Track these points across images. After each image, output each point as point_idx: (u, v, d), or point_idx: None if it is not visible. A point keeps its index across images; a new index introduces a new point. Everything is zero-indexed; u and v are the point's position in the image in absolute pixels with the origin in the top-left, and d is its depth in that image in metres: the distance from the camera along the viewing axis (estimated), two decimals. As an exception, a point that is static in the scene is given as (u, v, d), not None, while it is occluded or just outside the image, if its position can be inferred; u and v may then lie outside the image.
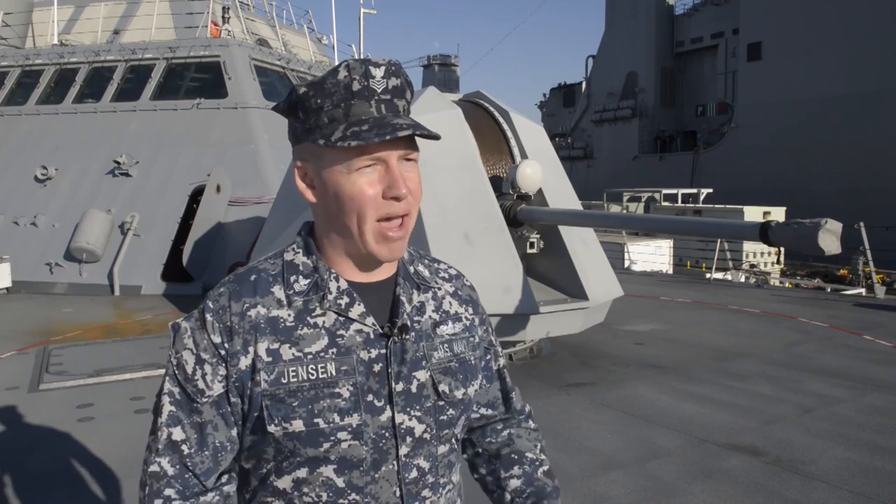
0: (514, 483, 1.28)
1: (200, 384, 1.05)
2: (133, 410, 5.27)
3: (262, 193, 11.29)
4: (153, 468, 1.04)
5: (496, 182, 6.25)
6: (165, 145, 12.55)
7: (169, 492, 1.04)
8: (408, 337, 1.10)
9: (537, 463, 1.32)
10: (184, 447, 1.05)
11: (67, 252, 11.60)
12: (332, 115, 1.04)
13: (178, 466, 1.04)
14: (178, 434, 1.05)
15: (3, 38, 16.60)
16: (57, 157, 12.85)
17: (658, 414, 5.10)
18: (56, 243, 11.83)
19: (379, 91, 1.04)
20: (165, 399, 1.07)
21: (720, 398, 5.47)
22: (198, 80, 13.43)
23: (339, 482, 1.05)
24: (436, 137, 1.05)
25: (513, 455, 1.31)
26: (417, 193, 1.08)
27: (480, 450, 1.32)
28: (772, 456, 4.27)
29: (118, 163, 12.29)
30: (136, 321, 9.07)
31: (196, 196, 11.69)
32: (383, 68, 1.05)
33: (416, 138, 1.07)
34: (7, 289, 11.27)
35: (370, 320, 1.08)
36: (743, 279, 15.21)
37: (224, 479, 1.10)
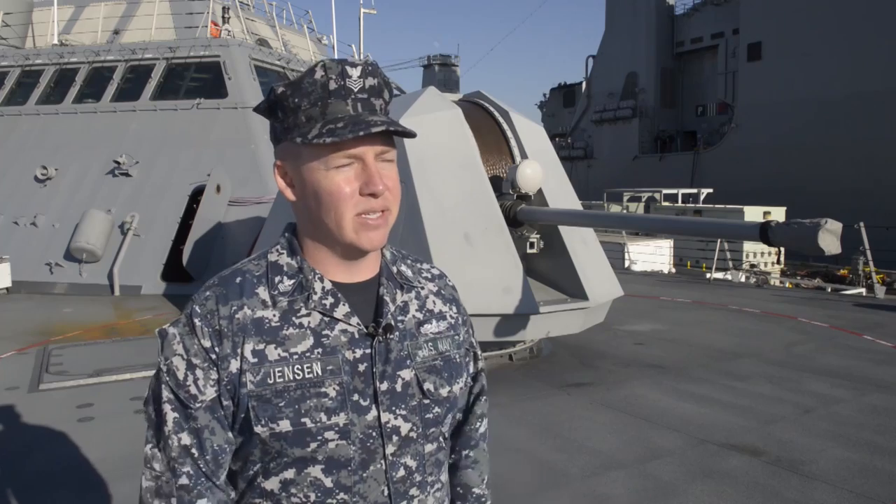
0: None
1: (193, 389, 1.05)
2: (133, 410, 5.27)
3: (262, 193, 11.28)
4: (183, 480, 1.03)
5: (496, 182, 6.25)
6: (165, 145, 12.54)
7: (202, 502, 1.04)
8: (392, 336, 1.11)
9: (483, 499, 1.32)
10: (193, 451, 1.05)
11: (67, 252, 11.59)
12: (309, 114, 1.05)
13: (192, 473, 1.05)
14: (186, 439, 1.05)
15: (3, 38, 16.60)
16: (57, 157, 12.84)
17: (658, 414, 5.10)
18: (56, 243, 11.82)
19: (356, 90, 1.05)
20: (167, 407, 1.05)
21: (720, 398, 5.47)
22: (198, 80, 13.43)
23: (328, 482, 1.05)
24: (411, 135, 1.06)
25: (458, 489, 1.31)
26: (395, 191, 1.09)
27: None
28: (772, 456, 4.27)
29: (118, 163, 12.29)
30: (136, 321, 9.07)
31: (196, 196, 11.69)
32: (360, 68, 1.06)
33: (407, 139, 1.08)
34: (7, 289, 11.27)
35: (355, 320, 1.09)
36: (743, 279, 15.20)
37: (230, 490, 1.10)
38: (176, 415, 1.05)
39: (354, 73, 1.06)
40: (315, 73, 1.05)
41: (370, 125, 1.02)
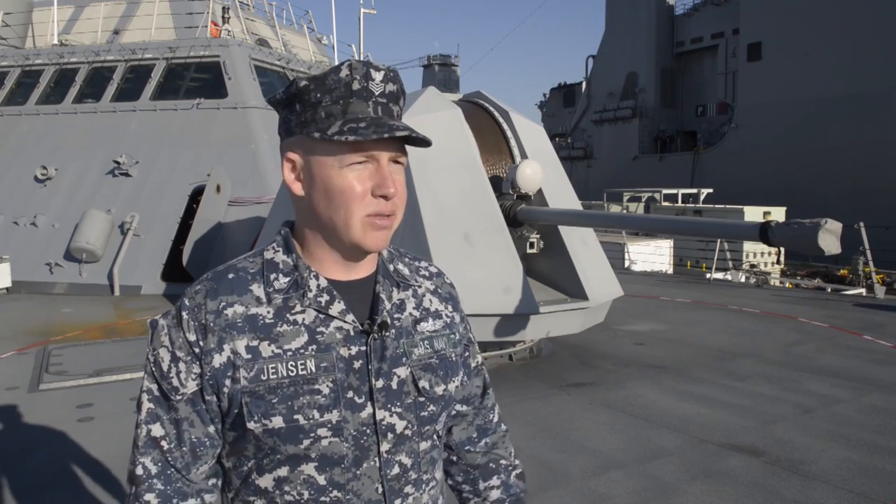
0: (495, 494, 1.33)
1: (175, 381, 1.06)
2: (133, 410, 5.27)
3: (262, 193, 11.29)
4: (138, 470, 1.07)
5: (496, 182, 6.25)
6: (165, 145, 12.55)
7: (149, 497, 1.05)
8: (388, 334, 1.11)
9: (510, 468, 1.37)
10: (163, 443, 1.07)
11: (67, 252, 11.60)
12: (329, 111, 1.06)
13: (159, 463, 1.07)
14: (157, 430, 1.07)
15: (3, 38, 16.59)
16: (57, 157, 12.84)
17: (658, 414, 5.10)
18: (56, 243, 11.83)
19: (377, 93, 1.07)
20: (144, 397, 1.09)
21: (720, 398, 5.47)
22: (198, 80, 13.44)
23: (321, 480, 1.06)
24: (427, 144, 1.08)
25: (490, 465, 1.34)
26: (403, 196, 1.10)
27: (456, 458, 1.34)
28: (772, 456, 4.27)
29: (118, 163, 12.29)
30: (136, 321, 9.06)
31: (196, 196, 11.70)
32: (383, 73, 1.08)
33: (407, 145, 1.09)
34: (7, 289, 11.27)
35: (350, 317, 1.09)
36: (743, 279, 15.21)
37: (210, 482, 1.11)
38: (151, 405, 1.08)
39: (378, 76, 1.07)
40: (340, 72, 1.06)
41: (393, 129, 1.03)
